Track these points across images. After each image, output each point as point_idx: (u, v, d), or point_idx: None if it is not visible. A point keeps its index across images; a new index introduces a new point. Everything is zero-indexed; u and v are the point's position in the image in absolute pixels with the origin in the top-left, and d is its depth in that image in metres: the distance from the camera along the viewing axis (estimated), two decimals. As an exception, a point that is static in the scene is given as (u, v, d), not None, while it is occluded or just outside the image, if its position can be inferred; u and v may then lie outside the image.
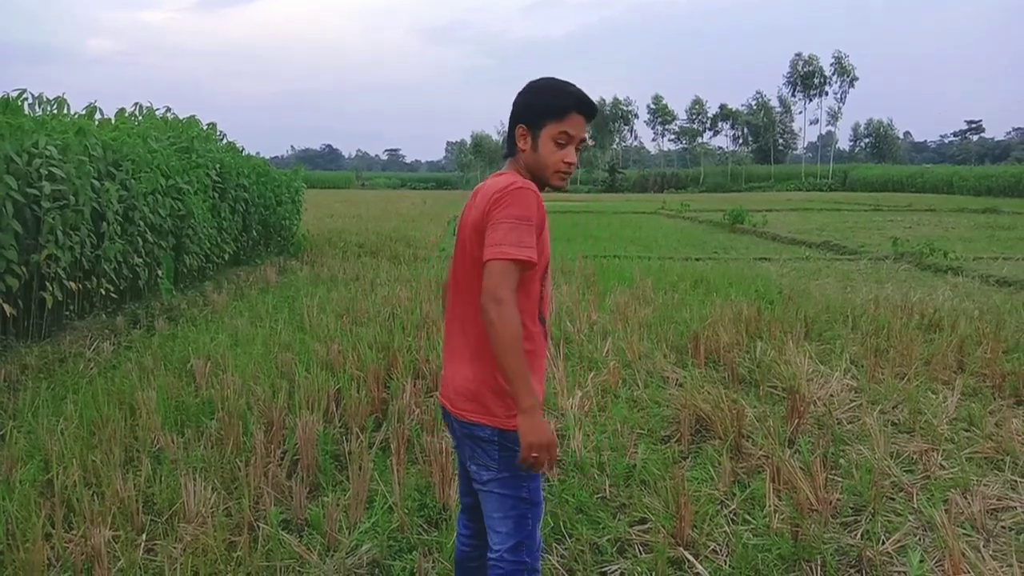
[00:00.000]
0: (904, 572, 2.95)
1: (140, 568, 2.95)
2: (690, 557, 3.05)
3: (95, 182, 7.03)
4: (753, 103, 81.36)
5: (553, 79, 2.16)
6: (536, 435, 1.95)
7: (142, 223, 7.95)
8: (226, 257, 10.96)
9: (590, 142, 2.14)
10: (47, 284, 6.34)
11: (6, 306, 5.76)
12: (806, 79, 73.88)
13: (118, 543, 3.07)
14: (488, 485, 2.15)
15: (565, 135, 2.09)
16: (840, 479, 3.75)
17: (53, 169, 6.28)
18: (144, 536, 3.18)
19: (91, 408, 4.47)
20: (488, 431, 2.10)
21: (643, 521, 3.36)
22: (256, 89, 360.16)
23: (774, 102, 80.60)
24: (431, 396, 4.85)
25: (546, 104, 2.10)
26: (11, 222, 5.75)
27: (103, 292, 7.32)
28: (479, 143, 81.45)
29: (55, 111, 7.68)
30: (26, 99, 7.22)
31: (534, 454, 1.96)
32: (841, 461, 3.95)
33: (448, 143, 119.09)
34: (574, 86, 2.14)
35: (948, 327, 6.56)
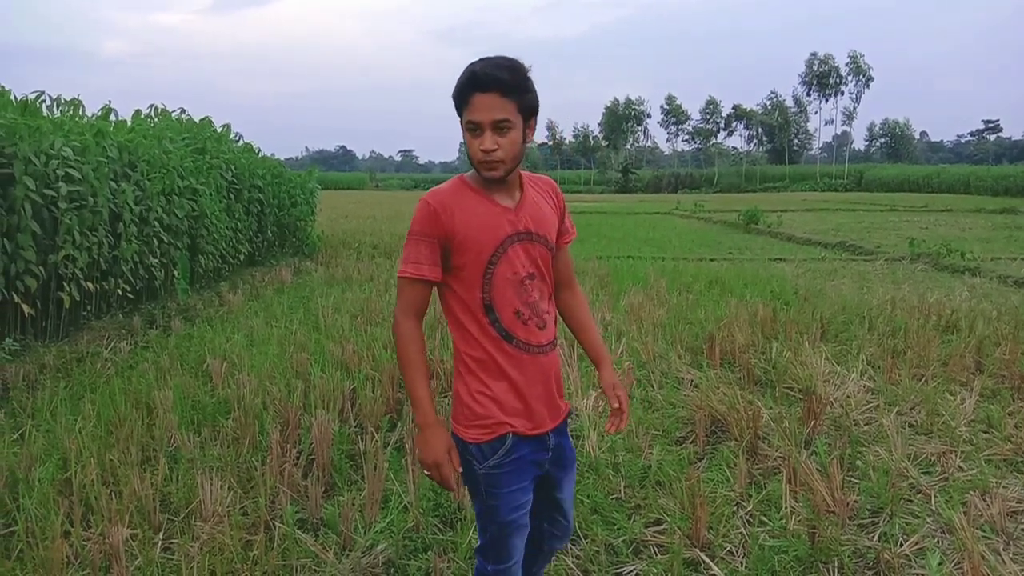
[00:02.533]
0: (922, 575, 2.93)
1: (157, 566, 2.96)
2: (706, 558, 3.04)
3: (112, 183, 7.08)
4: (768, 103, 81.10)
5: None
6: (424, 453, 2.00)
7: (157, 224, 8.00)
8: (241, 258, 11.01)
9: (537, 140, 2.01)
10: (65, 284, 6.39)
11: (25, 306, 5.82)
12: (821, 79, 73.51)
13: (136, 541, 3.09)
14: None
15: (471, 123, 1.91)
16: (857, 481, 3.72)
17: (70, 170, 6.33)
18: (161, 535, 3.19)
19: (108, 407, 4.50)
20: (455, 437, 2.09)
21: (658, 522, 3.35)
22: (271, 90, 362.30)
23: (789, 102, 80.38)
24: (445, 396, 4.85)
25: (455, 97, 1.94)
26: (29, 223, 5.80)
27: (120, 292, 7.37)
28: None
29: (71, 113, 7.73)
30: (44, 101, 7.28)
31: (426, 472, 2.02)
32: (858, 463, 3.92)
33: (461, 144, 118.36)
34: (473, 63, 1.92)
35: (966, 328, 6.50)
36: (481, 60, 1.92)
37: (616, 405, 2.23)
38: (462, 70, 1.92)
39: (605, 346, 2.26)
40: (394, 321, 2.05)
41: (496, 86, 1.87)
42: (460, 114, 1.95)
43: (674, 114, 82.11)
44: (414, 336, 2.03)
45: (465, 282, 2.02)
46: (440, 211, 1.98)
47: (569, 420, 2.24)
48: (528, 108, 1.94)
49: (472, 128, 1.92)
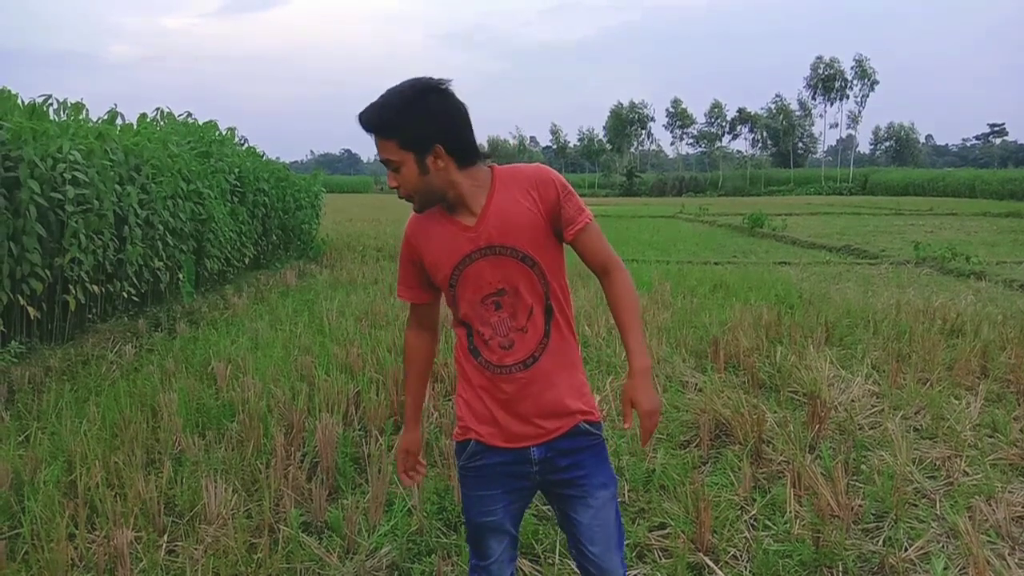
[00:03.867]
0: (927, 579, 2.92)
1: (162, 569, 2.97)
2: (710, 563, 3.04)
3: (117, 186, 7.10)
4: (772, 106, 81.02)
5: None
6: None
7: (162, 227, 8.03)
8: (246, 261, 11.05)
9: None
10: (70, 287, 6.41)
11: (30, 309, 5.84)
12: (827, 82, 73.42)
13: (140, 544, 3.10)
14: None
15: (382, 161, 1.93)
16: (862, 485, 3.71)
17: (76, 174, 6.35)
18: (166, 537, 3.20)
19: (113, 410, 4.51)
20: None
21: (662, 526, 3.35)
22: (277, 94, 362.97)
23: (794, 105, 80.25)
24: (448, 400, 4.85)
25: None
26: (35, 226, 5.82)
27: (125, 295, 7.39)
28: (494, 147, 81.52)
29: (75, 117, 7.75)
30: (51, 104, 7.31)
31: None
32: (863, 467, 3.91)
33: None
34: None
35: (971, 332, 6.48)
36: (365, 107, 1.89)
37: (626, 425, 2.02)
38: (448, 81, 1.91)
39: (643, 349, 1.99)
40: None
41: (372, 130, 1.88)
42: None
43: (679, 117, 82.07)
44: (411, 344, 2.25)
45: (446, 299, 2.09)
46: (410, 236, 2.06)
47: (593, 433, 2.07)
48: (413, 141, 1.86)
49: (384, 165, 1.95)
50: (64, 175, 6.24)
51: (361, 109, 1.88)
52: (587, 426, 2.05)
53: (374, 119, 1.87)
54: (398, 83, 1.90)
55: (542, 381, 2.00)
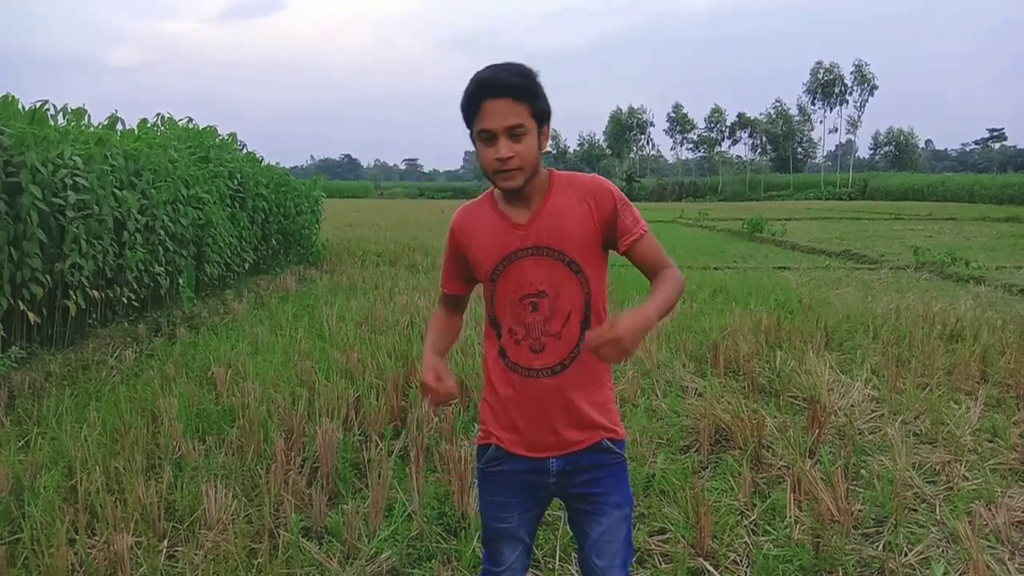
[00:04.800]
0: (927, 584, 2.92)
1: (162, 574, 2.97)
2: (710, 568, 3.04)
3: (116, 192, 7.11)
4: (772, 111, 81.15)
5: None
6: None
7: (163, 232, 8.03)
8: (246, 266, 11.04)
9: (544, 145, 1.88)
10: (71, 292, 6.41)
11: (31, 314, 5.84)
12: (826, 87, 73.60)
13: (140, 549, 3.10)
14: None
15: (484, 131, 1.85)
16: (861, 490, 3.72)
17: (77, 179, 6.36)
18: (166, 542, 3.20)
19: (114, 415, 4.51)
20: None
21: (662, 531, 3.35)
22: (277, 99, 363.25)
23: (793, 110, 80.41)
24: (449, 404, 4.85)
25: (463, 107, 1.89)
26: (36, 231, 5.82)
27: (125, 300, 7.40)
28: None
29: (75, 122, 7.76)
30: (48, 110, 7.32)
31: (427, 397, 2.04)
32: (862, 472, 3.92)
33: (466, 153, 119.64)
34: (480, 71, 1.87)
35: (971, 337, 6.49)
36: (488, 67, 1.87)
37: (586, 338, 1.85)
38: (468, 79, 1.87)
39: (656, 306, 1.85)
40: None
41: (507, 91, 1.82)
42: (470, 125, 1.90)
43: (680, 122, 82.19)
44: (438, 317, 2.21)
45: (484, 294, 2.07)
46: (456, 229, 2.06)
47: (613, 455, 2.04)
48: (541, 113, 1.88)
49: (485, 137, 1.86)
50: (65, 180, 6.25)
51: (481, 72, 1.86)
52: (610, 444, 2.03)
53: (515, 80, 1.84)
54: (500, 62, 1.88)
55: (568, 391, 1.97)
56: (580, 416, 1.98)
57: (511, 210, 1.97)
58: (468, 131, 1.94)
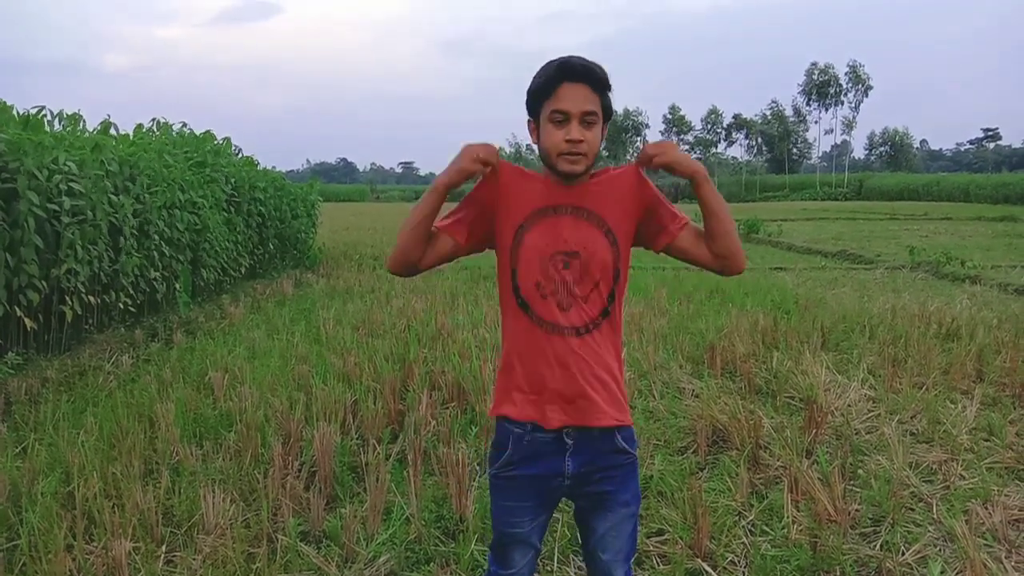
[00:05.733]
0: (925, 583, 2.93)
1: (160, 579, 2.97)
2: (708, 568, 3.04)
3: (112, 197, 7.11)
4: (768, 113, 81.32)
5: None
6: (459, 158, 1.93)
7: (158, 237, 8.03)
8: (242, 270, 11.04)
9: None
10: (67, 298, 6.41)
11: (27, 320, 5.83)
12: (821, 88, 73.76)
13: (138, 554, 3.10)
14: None
15: (559, 112, 1.87)
16: (858, 489, 3.72)
17: (73, 184, 6.36)
18: (164, 547, 3.20)
19: (111, 421, 4.51)
20: None
21: (660, 532, 3.35)
22: (273, 103, 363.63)
23: (789, 111, 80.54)
24: (447, 408, 4.86)
25: (536, 86, 1.92)
26: (32, 237, 5.82)
27: (122, 306, 7.39)
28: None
29: (70, 128, 7.76)
30: (45, 116, 7.32)
31: (470, 159, 1.92)
32: (859, 471, 3.92)
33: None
34: (562, 57, 1.91)
35: (966, 336, 6.50)
36: (566, 56, 1.91)
37: (646, 147, 2.00)
38: (544, 64, 1.92)
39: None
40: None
41: (586, 77, 1.88)
42: (539, 104, 1.93)
43: (676, 124, 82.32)
44: (401, 232, 2.03)
45: (501, 244, 2.01)
46: (503, 169, 1.99)
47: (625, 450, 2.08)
48: (607, 109, 1.94)
49: (559, 118, 1.88)
50: (60, 186, 6.24)
51: (563, 57, 1.90)
52: (623, 444, 2.05)
53: (597, 69, 1.90)
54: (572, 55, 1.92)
55: (592, 354, 1.96)
56: (603, 382, 1.98)
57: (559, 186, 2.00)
58: (530, 116, 1.97)
